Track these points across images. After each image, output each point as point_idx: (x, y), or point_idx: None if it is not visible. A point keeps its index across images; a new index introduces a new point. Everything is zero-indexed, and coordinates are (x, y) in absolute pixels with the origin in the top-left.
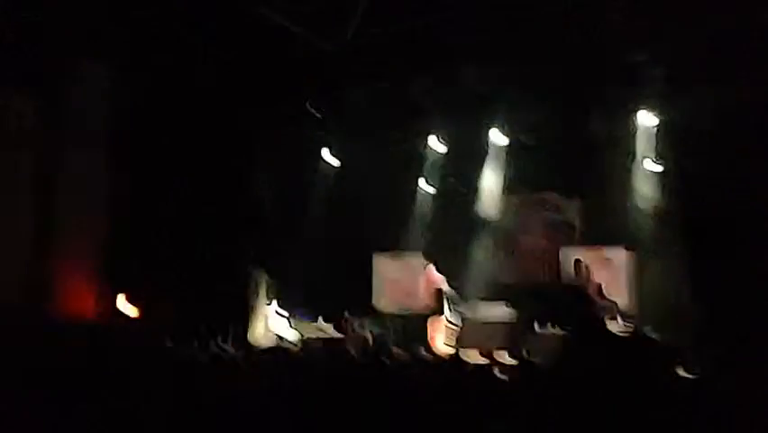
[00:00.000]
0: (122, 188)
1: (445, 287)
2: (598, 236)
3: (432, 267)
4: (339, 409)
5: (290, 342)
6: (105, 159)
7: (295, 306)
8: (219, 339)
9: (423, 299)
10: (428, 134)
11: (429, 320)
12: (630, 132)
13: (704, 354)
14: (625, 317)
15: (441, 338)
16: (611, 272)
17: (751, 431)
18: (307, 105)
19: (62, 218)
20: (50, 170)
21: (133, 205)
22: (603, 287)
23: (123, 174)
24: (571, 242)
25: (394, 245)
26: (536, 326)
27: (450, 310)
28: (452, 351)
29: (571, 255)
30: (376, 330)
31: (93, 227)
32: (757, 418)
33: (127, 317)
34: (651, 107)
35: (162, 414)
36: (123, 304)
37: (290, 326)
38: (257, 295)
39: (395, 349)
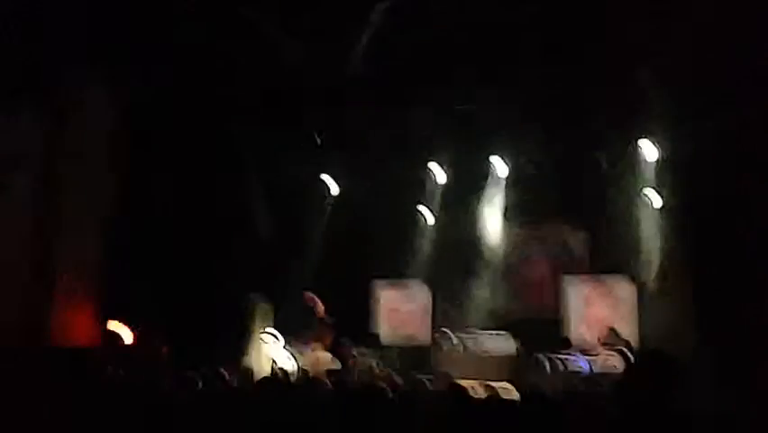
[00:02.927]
0: (118, 212)
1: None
2: (601, 267)
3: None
4: None
5: (285, 369)
6: (102, 182)
7: (293, 332)
8: (214, 366)
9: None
10: (429, 161)
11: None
12: (634, 162)
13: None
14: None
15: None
16: (615, 304)
17: None
18: (316, 134)
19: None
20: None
21: (130, 229)
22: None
23: (121, 199)
24: (573, 271)
25: (394, 273)
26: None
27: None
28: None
29: (573, 285)
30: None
31: (87, 255)
32: None
33: (121, 342)
34: (654, 137)
35: None
36: (118, 330)
37: (290, 353)
38: (254, 321)
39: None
